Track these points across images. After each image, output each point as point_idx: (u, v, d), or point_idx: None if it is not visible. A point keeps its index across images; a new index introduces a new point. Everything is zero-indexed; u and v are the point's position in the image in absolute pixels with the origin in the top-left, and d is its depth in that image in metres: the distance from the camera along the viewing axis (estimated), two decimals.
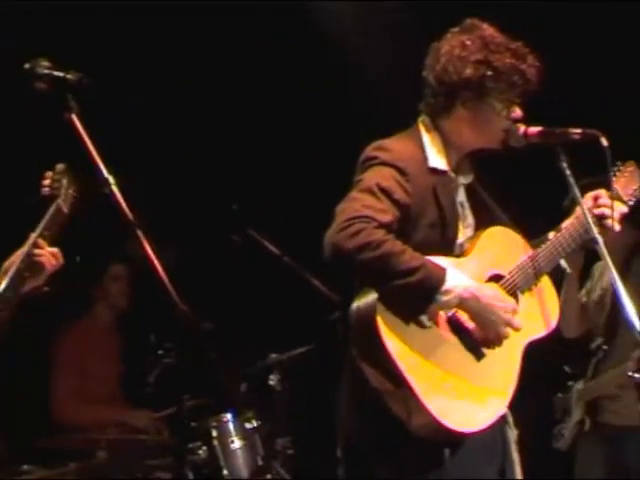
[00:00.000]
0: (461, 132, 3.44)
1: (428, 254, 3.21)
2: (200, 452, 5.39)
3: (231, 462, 5.43)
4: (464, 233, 3.45)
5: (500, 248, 3.45)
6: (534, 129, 3.39)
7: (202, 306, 5.42)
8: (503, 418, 3.41)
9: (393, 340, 3.16)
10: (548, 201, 3.75)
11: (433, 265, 3.17)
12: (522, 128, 3.41)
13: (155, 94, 6.26)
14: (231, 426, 5.48)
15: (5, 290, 2.63)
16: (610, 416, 5.17)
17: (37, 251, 2.77)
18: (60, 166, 2.75)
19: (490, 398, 3.29)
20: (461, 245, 3.42)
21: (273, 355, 5.73)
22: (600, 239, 3.29)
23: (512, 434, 3.47)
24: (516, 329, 3.26)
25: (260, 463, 5.50)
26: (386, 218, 3.16)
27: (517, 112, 3.42)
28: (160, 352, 4.83)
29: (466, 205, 3.52)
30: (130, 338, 6.17)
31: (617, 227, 3.46)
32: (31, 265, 2.75)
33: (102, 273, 6.12)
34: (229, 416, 5.51)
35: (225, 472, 5.40)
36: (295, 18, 6.48)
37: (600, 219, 3.44)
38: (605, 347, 5.17)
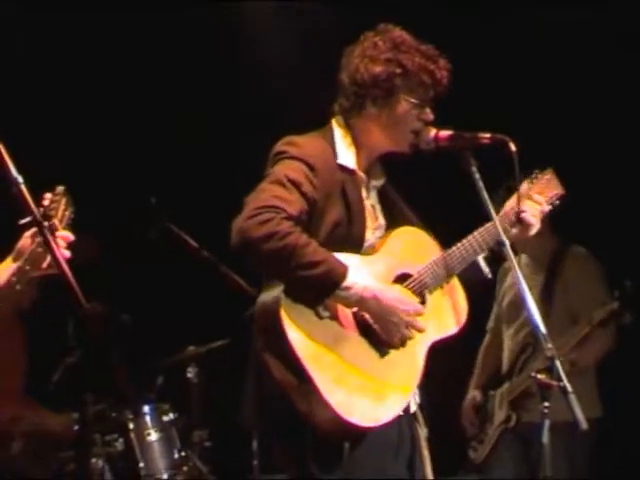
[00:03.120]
0: (371, 131, 3.45)
1: (335, 250, 3.22)
2: (116, 444, 5.41)
3: (148, 454, 5.45)
4: (375, 234, 3.45)
5: (409, 248, 3.45)
6: (444, 133, 3.42)
7: (121, 299, 5.48)
8: (413, 416, 3.44)
9: (296, 333, 3.15)
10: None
11: (336, 261, 3.16)
12: (433, 131, 3.43)
13: (75, 85, 6.24)
14: (148, 418, 5.50)
15: None
16: (523, 413, 5.28)
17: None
18: (60, 188, 2.72)
19: (392, 394, 3.27)
20: (371, 244, 3.41)
21: (191, 348, 5.75)
22: (507, 242, 3.31)
23: (422, 432, 3.48)
24: (419, 331, 3.27)
25: (177, 455, 5.55)
26: (294, 210, 3.17)
27: (428, 114, 3.43)
28: (64, 351, 4.82)
29: (377, 207, 3.54)
30: (34, 337, 6.12)
31: (538, 225, 3.51)
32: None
33: None
34: (146, 408, 5.54)
35: (141, 464, 5.42)
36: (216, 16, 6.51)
37: (519, 217, 3.48)
38: (532, 345, 5.29)
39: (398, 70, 3.35)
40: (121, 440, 5.42)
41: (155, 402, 5.61)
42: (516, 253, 5.42)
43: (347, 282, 3.15)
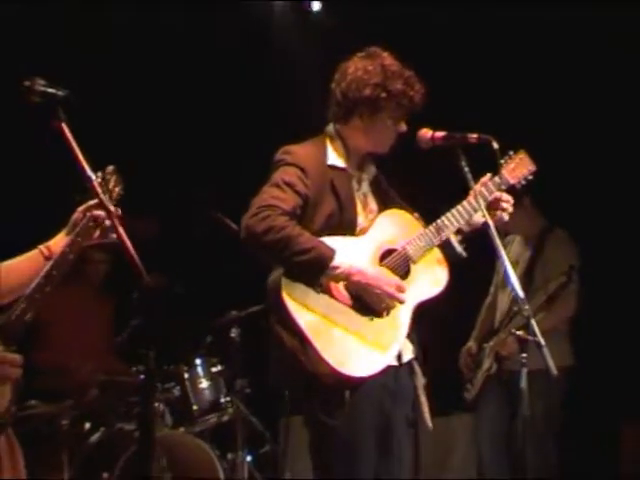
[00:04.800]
0: (355, 137, 3.49)
1: (331, 234, 3.31)
2: (174, 391, 5.44)
3: (200, 399, 5.48)
4: (367, 218, 3.47)
5: (394, 227, 3.47)
6: (439, 134, 3.41)
7: (177, 272, 5.48)
8: (409, 366, 3.44)
9: (295, 307, 3.21)
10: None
11: (324, 246, 3.24)
12: (430, 133, 3.43)
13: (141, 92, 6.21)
14: (199, 370, 5.53)
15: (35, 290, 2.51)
16: (506, 363, 5.28)
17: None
18: (110, 167, 2.69)
19: (380, 350, 3.28)
20: (362, 227, 3.44)
21: (233, 312, 5.74)
22: (492, 224, 3.26)
23: (420, 382, 3.47)
24: (400, 302, 3.31)
25: (223, 400, 5.56)
26: (288, 206, 3.26)
27: (403, 127, 3.49)
28: (131, 316, 4.85)
29: (370, 195, 3.55)
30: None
31: (506, 217, 3.49)
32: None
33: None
34: (198, 361, 5.57)
35: (194, 407, 5.45)
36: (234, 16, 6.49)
37: (492, 208, 3.46)
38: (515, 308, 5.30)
39: (383, 94, 3.40)
40: (178, 388, 5.46)
41: (205, 356, 5.64)
42: (507, 233, 5.47)
43: (334, 263, 3.22)
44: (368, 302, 3.29)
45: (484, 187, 3.49)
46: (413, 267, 3.41)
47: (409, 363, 3.44)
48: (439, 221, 3.46)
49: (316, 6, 7.15)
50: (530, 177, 3.62)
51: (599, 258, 6.35)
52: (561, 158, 6.00)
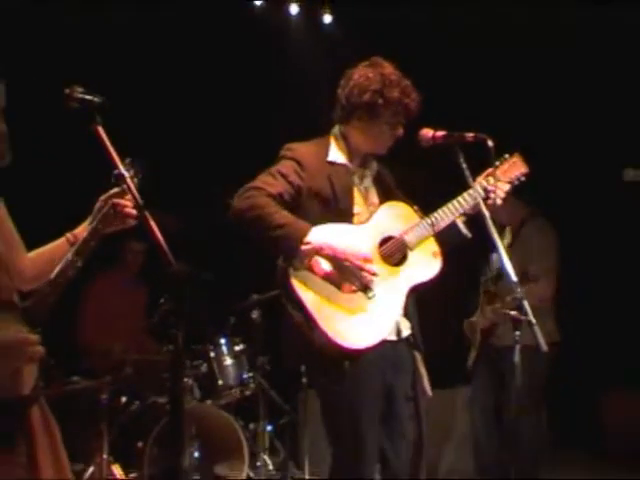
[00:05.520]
0: (355, 137, 3.50)
1: (329, 221, 3.31)
2: (201, 368, 5.48)
3: (224, 375, 5.51)
4: (368, 209, 3.47)
5: (394, 217, 3.46)
6: (439, 133, 3.40)
7: (203, 260, 5.51)
8: (407, 341, 3.45)
9: (300, 287, 3.23)
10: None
11: (298, 223, 3.23)
12: (431, 133, 3.41)
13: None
14: (224, 348, 5.57)
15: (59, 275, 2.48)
16: (493, 340, 5.30)
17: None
18: (128, 159, 2.64)
19: (375, 326, 3.27)
20: (365, 216, 3.44)
21: (255, 296, 5.76)
22: (487, 213, 3.26)
23: (418, 355, 3.48)
24: (370, 273, 3.26)
25: (246, 375, 5.59)
26: (274, 190, 3.28)
27: (399, 132, 3.49)
28: (161, 301, 4.87)
29: (371, 189, 3.54)
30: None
31: (499, 202, 3.45)
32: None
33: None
34: (222, 341, 5.61)
35: (220, 382, 5.48)
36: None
37: (487, 197, 3.43)
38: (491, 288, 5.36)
39: (381, 101, 3.40)
40: (204, 365, 5.50)
41: (229, 336, 5.65)
42: (504, 225, 5.46)
43: (307, 238, 3.21)
44: (341, 276, 3.26)
45: (479, 185, 3.46)
46: (410, 253, 3.41)
47: (407, 338, 3.45)
48: (436, 213, 3.46)
49: (327, 19, 7.27)
50: (522, 178, 3.60)
51: (583, 239, 6.43)
52: (544, 147, 6.05)
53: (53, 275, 2.45)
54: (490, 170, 3.46)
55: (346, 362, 3.22)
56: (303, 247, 3.21)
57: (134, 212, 2.58)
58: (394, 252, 3.40)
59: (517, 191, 3.69)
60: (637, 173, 4.04)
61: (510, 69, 6.53)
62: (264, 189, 3.28)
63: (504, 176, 3.54)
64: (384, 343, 3.29)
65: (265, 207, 3.23)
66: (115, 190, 2.61)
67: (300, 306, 3.23)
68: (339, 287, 3.26)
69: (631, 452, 6.47)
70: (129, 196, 2.56)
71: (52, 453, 2.43)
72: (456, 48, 6.46)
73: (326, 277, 3.25)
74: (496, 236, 3.20)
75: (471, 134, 3.33)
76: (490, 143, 3.24)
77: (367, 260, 3.28)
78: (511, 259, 3.14)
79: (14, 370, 2.31)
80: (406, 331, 3.44)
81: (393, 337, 3.37)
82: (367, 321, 3.26)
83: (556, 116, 6.69)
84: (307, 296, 3.23)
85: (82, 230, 2.61)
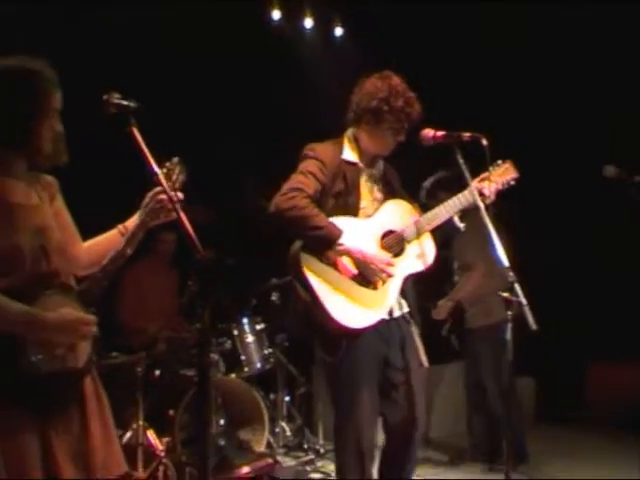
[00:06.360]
0: (363, 139, 3.57)
1: (339, 214, 3.42)
2: (226, 344, 5.50)
3: (247, 351, 5.53)
4: (373, 205, 3.55)
5: (396, 213, 3.54)
6: (440, 133, 3.40)
7: (228, 247, 5.52)
8: (404, 319, 3.55)
9: (309, 273, 3.35)
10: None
11: (334, 227, 3.35)
12: (432, 133, 3.42)
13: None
14: (246, 327, 5.58)
15: (111, 262, 2.49)
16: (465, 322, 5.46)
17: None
18: (175, 158, 2.63)
19: (372, 309, 3.40)
20: (370, 212, 3.52)
21: (274, 280, 5.79)
22: (482, 206, 3.28)
23: (415, 330, 3.58)
24: (388, 276, 3.41)
25: (266, 351, 5.62)
26: (310, 190, 3.40)
27: (401, 137, 3.54)
28: (189, 284, 4.88)
29: (376, 186, 3.61)
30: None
31: (492, 197, 3.45)
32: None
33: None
34: (245, 320, 5.62)
35: (242, 357, 5.50)
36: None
37: (481, 194, 3.44)
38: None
39: (386, 108, 3.45)
40: (229, 342, 5.51)
41: (251, 316, 5.66)
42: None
43: (340, 241, 3.35)
44: (365, 274, 3.38)
45: (475, 187, 3.44)
46: (407, 246, 3.50)
47: (404, 316, 3.54)
48: (433, 211, 3.51)
49: (338, 31, 7.28)
50: (512, 182, 3.58)
51: (567, 225, 6.42)
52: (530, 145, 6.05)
53: (105, 262, 2.47)
54: (485, 174, 3.46)
55: (344, 339, 3.32)
56: (337, 248, 3.35)
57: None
58: (394, 245, 3.50)
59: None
60: (615, 170, 4.05)
61: (496, 69, 6.56)
62: (303, 190, 3.37)
63: (496, 179, 3.53)
64: (379, 322, 3.40)
65: (305, 208, 3.33)
66: (160, 188, 2.60)
67: (307, 287, 3.33)
68: (365, 284, 3.39)
69: (614, 421, 6.47)
70: (172, 192, 2.57)
71: (101, 420, 2.46)
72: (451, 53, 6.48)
73: (353, 277, 3.38)
74: (490, 227, 3.20)
75: (467, 134, 3.32)
76: (484, 142, 3.22)
77: (390, 265, 3.42)
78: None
79: (71, 345, 2.35)
80: (398, 311, 3.52)
81: (386, 316, 3.46)
82: (364, 305, 3.38)
83: (543, 118, 6.71)
84: (314, 280, 3.34)
85: (131, 222, 2.62)
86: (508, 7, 6.19)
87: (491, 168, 3.49)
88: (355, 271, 3.39)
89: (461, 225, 3.54)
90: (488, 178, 3.46)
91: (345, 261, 3.39)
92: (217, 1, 5.99)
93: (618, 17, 6.09)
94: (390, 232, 3.50)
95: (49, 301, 2.31)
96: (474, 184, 3.42)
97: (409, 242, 3.50)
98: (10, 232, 2.33)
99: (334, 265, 3.37)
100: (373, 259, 3.38)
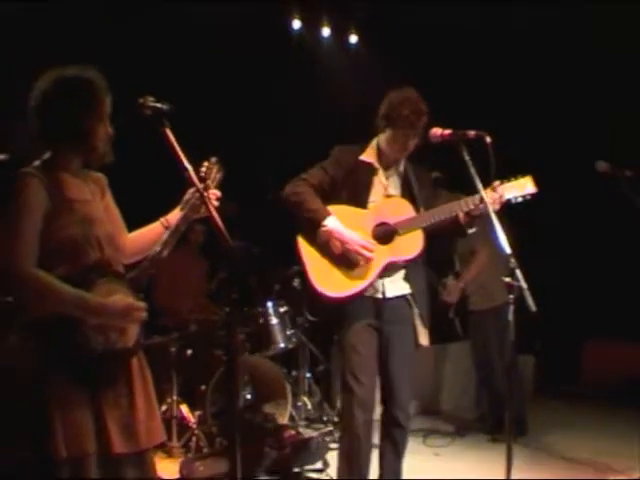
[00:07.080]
0: (382, 143, 3.69)
1: (349, 204, 3.59)
2: (252, 326, 5.47)
3: (271, 332, 5.53)
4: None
5: (391, 208, 3.63)
6: (446, 131, 3.36)
7: (253, 239, 5.54)
8: (404, 299, 3.64)
9: (303, 248, 3.61)
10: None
11: (324, 211, 3.55)
12: (439, 131, 3.38)
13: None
14: (270, 310, 5.54)
15: (160, 252, 2.52)
16: (469, 304, 5.47)
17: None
18: (213, 158, 2.64)
19: (353, 283, 3.55)
20: (375, 205, 3.65)
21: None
22: (490, 206, 3.22)
23: (415, 310, 3.66)
24: (364, 257, 3.51)
25: (288, 332, 5.61)
26: (315, 180, 3.63)
27: (412, 144, 3.61)
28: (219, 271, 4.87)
29: (392, 185, 3.69)
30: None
31: (497, 207, 3.33)
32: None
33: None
34: (269, 304, 5.60)
35: (267, 338, 5.47)
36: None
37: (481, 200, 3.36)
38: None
39: (395, 115, 3.55)
40: (255, 323, 5.49)
41: (275, 300, 5.62)
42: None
43: (325, 222, 3.52)
44: (345, 254, 3.52)
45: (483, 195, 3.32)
46: (397, 237, 3.58)
47: (405, 297, 3.63)
48: (432, 210, 3.54)
49: (353, 39, 7.22)
50: (527, 197, 3.43)
51: (566, 213, 6.36)
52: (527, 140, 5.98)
53: (152, 252, 2.50)
54: (497, 183, 3.38)
55: (327, 305, 3.53)
56: (322, 229, 3.52)
57: (216, 203, 2.58)
58: (383, 234, 3.59)
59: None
60: (607, 165, 4.03)
61: (494, 70, 6.51)
62: (307, 180, 3.62)
63: (507, 192, 3.41)
64: (371, 299, 3.57)
65: (303, 194, 3.57)
66: (199, 185, 2.58)
67: (300, 262, 3.59)
68: (346, 262, 3.53)
69: (608, 395, 6.44)
70: (213, 191, 2.59)
71: (145, 396, 2.48)
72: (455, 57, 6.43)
73: (336, 255, 3.53)
74: (493, 216, 3.16)
75: (473, 132, 3.27)
76: (488, 139, 3.18)
77: (366, 248, 3.53)
78: None
79: (122, 329, 2.38)
80: (393, 292, 3.62)
81: (379, 295, 3.59)
82: (348, 280, 3.54)
83: (538, 115, 6.66)
84: (305, 255, 3.59)
85: (173, 216, 2.62)
86: (512, 9, 6.12)
87: (505, 180, 3.41)
88: (338, 251, 3.53)
89: (466, 228, 3.55)
90: (497, 188, 3.37)
91: (331, 241, 3.54)
92: (238, 7, 5.97)
93: (618, 17, 5.99)
94: (383, 223, 3.60)
95: (103, 288, 2.35)
96: (484, 193, 3.30)
97: (400, 234, 3.57)
98: (66, 224, 2.37)
99: (325, 244, 3.53)
100: (350, 240, 3.50)
